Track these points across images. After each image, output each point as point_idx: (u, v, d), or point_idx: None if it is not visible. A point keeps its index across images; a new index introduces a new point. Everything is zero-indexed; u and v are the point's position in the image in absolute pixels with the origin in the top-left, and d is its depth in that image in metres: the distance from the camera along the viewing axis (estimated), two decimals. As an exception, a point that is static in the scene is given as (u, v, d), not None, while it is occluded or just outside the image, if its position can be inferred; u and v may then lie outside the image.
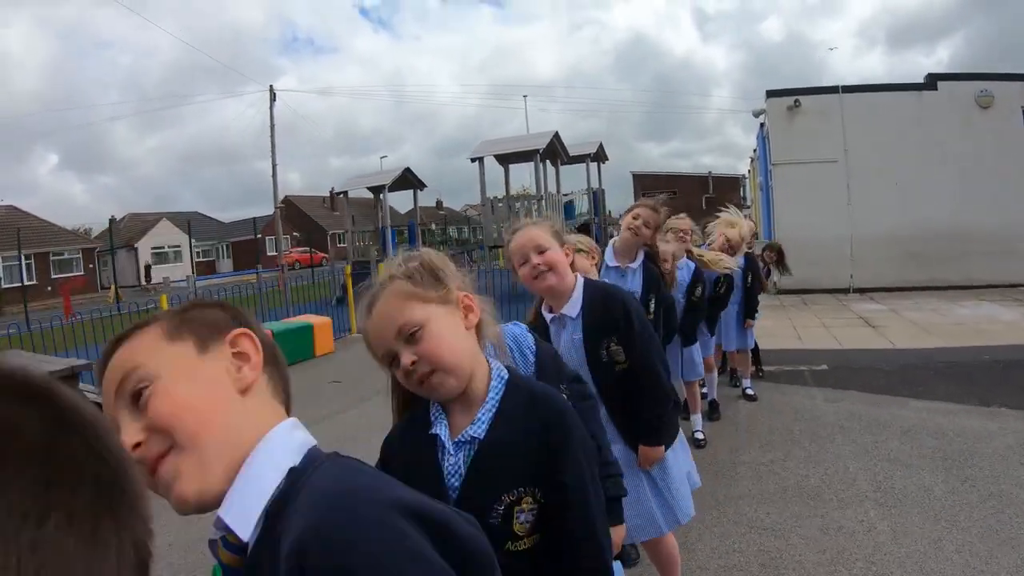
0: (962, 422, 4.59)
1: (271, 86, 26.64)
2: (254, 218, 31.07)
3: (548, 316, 2.16)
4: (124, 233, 42.39)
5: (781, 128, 12.34)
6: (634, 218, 3.20)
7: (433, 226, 34.49)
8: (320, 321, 9.41)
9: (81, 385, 5.08)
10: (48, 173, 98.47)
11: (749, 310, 5.40)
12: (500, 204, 14.68)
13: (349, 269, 11.40)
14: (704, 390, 5.07)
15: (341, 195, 17.86)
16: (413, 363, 1.10)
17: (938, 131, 11.58)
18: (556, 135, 14.64)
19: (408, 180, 17.16)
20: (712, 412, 5.02)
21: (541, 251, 1.98)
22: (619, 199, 57.93)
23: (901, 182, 11.68)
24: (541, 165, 16.06)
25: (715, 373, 5.24)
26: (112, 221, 45.69)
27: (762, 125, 14.95)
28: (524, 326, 1.72)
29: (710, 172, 51.35)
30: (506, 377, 1.19)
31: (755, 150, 19.50)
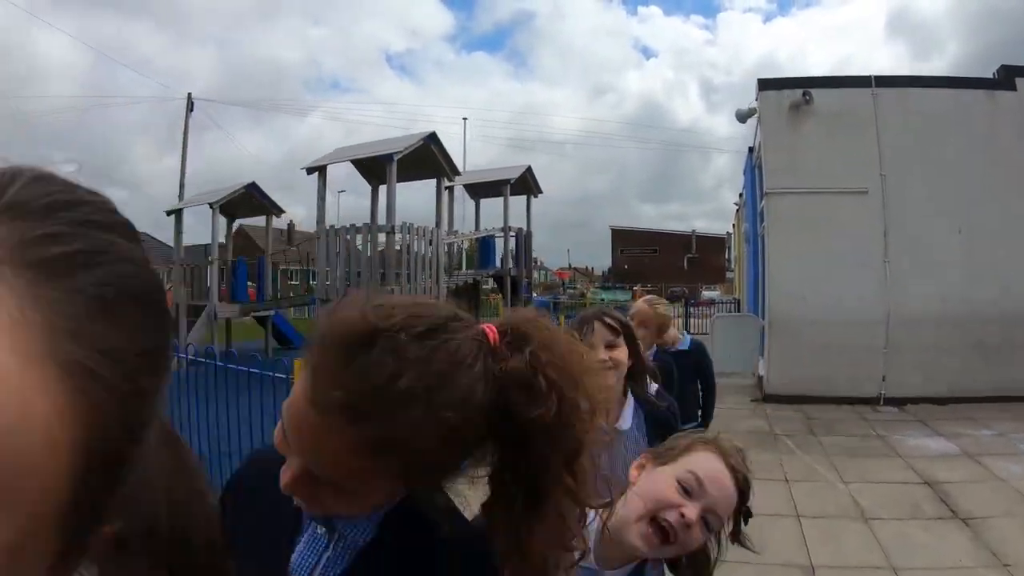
0: None
1: (189, 94, 24.35)
2: (205, 245, 26.63)
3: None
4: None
5: (780, 137, 8.05)
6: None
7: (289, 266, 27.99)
8: None
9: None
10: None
11: None
12: (344, 235, 10.08)
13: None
14: None
15: (172, 215, 13.45)
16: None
17: (1019, 150, 7.39)
18: (434, 137, 10.07)
19: (254, 202, 13.04)
20: None
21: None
22: (601, 257, 54.46)
23: (968, 228, 7.36)
24: (446, 191, 11.68)
25: None
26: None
27: (751, 150, 10.75)
28: None
29: (694, 231, 48.12)
30: None
31: (740, 194, 15.18)
